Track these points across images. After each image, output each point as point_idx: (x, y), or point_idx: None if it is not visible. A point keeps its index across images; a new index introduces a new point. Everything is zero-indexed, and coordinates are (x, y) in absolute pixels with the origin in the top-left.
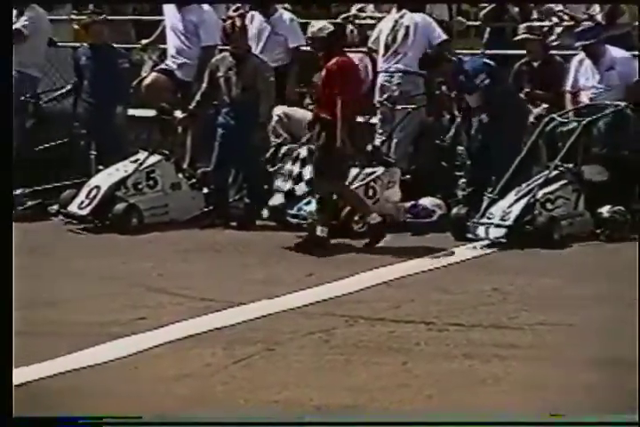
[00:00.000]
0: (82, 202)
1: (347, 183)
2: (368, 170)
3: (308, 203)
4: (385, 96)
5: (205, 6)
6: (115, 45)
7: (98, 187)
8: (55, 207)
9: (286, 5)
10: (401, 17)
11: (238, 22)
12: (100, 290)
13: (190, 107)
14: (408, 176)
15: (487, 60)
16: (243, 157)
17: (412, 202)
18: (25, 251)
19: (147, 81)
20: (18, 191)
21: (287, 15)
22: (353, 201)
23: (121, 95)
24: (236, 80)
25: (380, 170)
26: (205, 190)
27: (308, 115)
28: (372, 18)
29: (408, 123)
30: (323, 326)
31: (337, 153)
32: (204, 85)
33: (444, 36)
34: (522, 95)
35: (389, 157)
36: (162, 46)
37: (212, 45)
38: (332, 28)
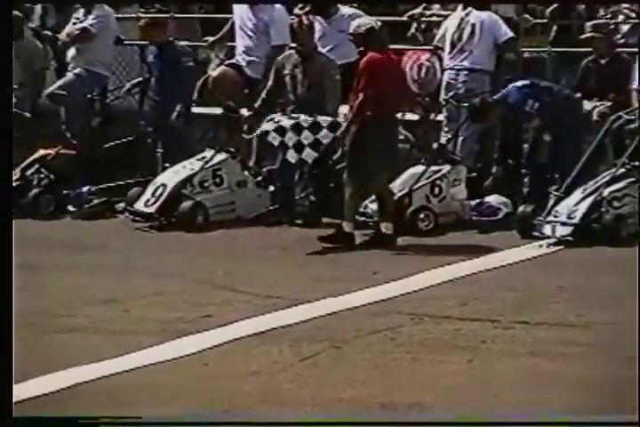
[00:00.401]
0: (148, 200)
1: (382, 180)
2: (434, 168)
3: (374, 201)
4: (450, 94)
5: (277, 5)
6: (181, 43)
7: (164, 185)
8: (122, 205)
9: (354, 4)
10: (467, 15)
11: (305, 20)
12: (167, 288)
13: (256, 105)
14: (474, 174)
15: (524, 82)
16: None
17: (478, 200)
18: (91, 248)
19: (215, 74)
20: (84, 189)
21: (350, 11)
22: (386, 199)
23: (185, 93)
24: (302, 78)
25: (446, 168)
26: (271, 188)
27: None
28: (437, 16)
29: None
30: (389, 323)
31: (365, 148)
32: (270, 83)
33: (511, 34)
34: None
35: (455, 154)
36: (229, 44)
37: (282, 45)
38: (370, 24)
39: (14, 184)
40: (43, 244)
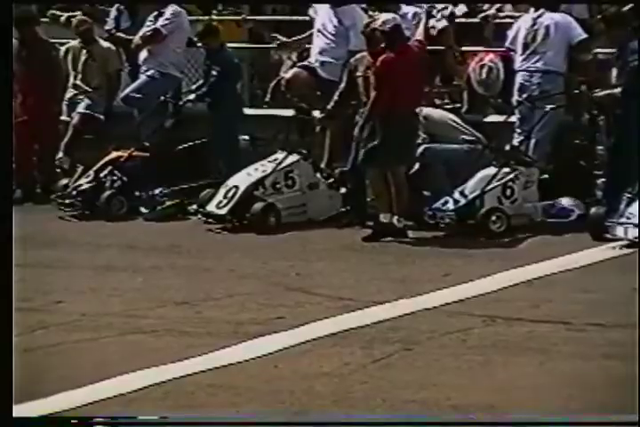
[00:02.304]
0: (220, 202)
1: (400, 174)
2: (506, 169)
3: (445, 203)
4: (524, 95)
5: (358, 9)
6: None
7: (236, 187)
8: (194, 207)
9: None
10: (539, 16)
11: (377, 25)
12: (239, 289)
13: (329, 107)
14: (546, 176)
15: None
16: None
17: (551, 202)
18: (164, 250)
19: (288, 75)
20: (157, 191)
21: (412, 10)
22: (402, 193)
23: (234, 97)
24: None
25: (518, 169)
26: (343, 190)
27: (446, 115)
28: (510, 17)
29: (547, 122)
30: (461, 325)
31: (382, 144)
32: (343, 85)
33: (584, 35)
34: None
35: (528, 156)
36: (299, 46)
37: (361, 50)
38: (395, 21)
39: (88, 186)
40: (116, 245)
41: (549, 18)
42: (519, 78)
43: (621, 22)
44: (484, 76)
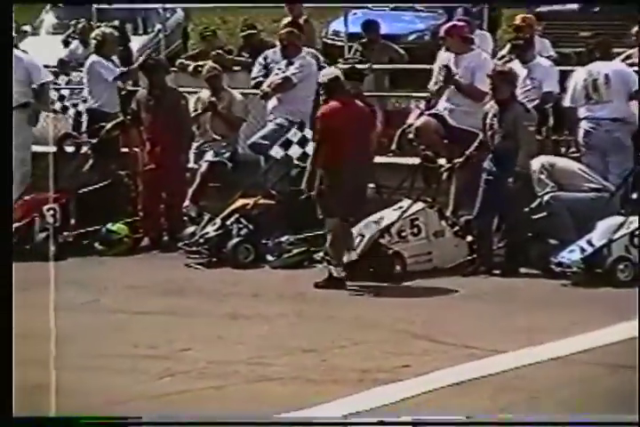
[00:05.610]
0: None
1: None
2: (633, 218)
3: (572, 251)
4: (591, 143)
5: (483, 54)
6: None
7: (362, 235)
8: (321, 254)
9: (551, 53)
10: (594, 66)
11: (505, 70)
12: (364, 337)
13: (467, 153)
14: None
15: None
16: (504, 204)
17: None
18: (290, 298)
19: (418, 124)
20: (284, 238)
21: (546, 61)
22: (336, 239)
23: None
24: (499, 128)
25: None
26: (469, 238)
27: (572, 164)
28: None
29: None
30: (586, 374)
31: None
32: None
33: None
34: None
35: None
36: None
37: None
38: (335, 74)
39: (215, 233)
40: (242, 293)
41: (605, 66)
42: (585, 126)
43: None
44: None
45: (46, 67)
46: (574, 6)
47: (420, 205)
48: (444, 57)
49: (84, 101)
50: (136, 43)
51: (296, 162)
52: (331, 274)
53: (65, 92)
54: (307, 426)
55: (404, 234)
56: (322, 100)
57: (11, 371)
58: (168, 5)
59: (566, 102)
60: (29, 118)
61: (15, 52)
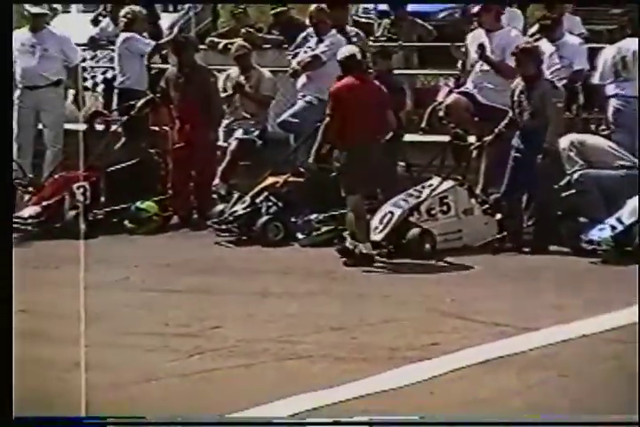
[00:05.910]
0: (376, 227)
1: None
2: None
3: (602, 229)
4: (620, 121)
5: (514, 31)
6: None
7: (391, 212)
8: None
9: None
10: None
11: (529, 48)
12: (394, 315)
13: (496, 130)
14: None
15: None
16: (533, 182)
17: None
18: (320, 276)
19: (448, 101)
20: (313, 216)
21: (576, 39)
22: (358, 219)
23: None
24: (527, 105)
25: None
26: (498, 216)
27: (602, 141)
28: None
29: None
30: (617, 352)
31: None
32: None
33: None
34: None
35: None
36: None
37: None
38: (352, 52)
39: (245, 211)
40: (271, 271)
41: (635, 43)
42: (614, 103)
43: None
44: None
45: (77, 45)
46: None
47: (449, 183)
48: (476, 34)
49: (113, 78)
50: (166, 20)
51: None
52: (360, 251)
53: (96, 70)
54: (307, 426)
55: (433, 212)
56: (337, 77)
57: (11, 371)
58: None
59: (595, 80)
60: (61, 96)
61: (49, 28)
